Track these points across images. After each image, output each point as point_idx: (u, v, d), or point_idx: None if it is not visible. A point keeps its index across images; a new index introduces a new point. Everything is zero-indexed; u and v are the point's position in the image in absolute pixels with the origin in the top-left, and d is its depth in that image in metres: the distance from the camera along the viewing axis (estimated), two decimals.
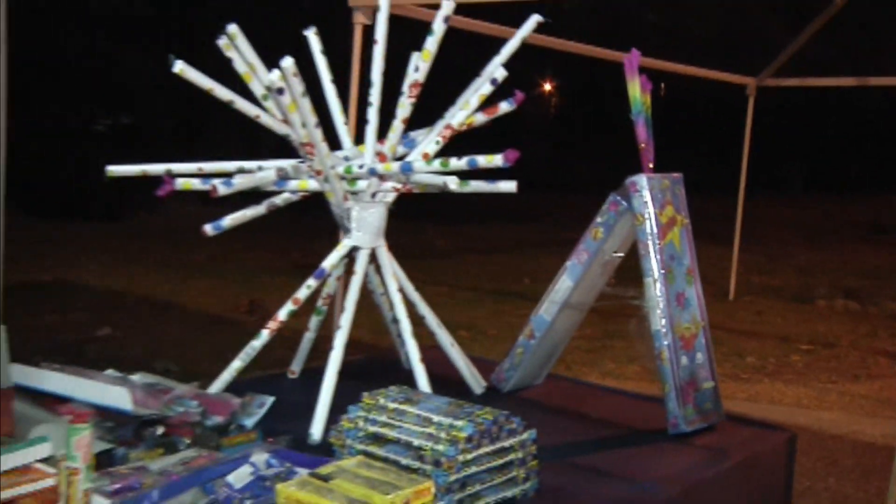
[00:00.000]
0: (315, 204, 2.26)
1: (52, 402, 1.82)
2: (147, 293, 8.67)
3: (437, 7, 2.04)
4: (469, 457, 1.60)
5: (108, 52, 11.77)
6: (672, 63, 5.97)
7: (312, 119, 1.96)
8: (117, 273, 9.55)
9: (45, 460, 1.59)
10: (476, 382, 2.30)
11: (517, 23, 2.11)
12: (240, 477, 1.56)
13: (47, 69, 11.37)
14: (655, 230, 2.05)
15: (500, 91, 2.07)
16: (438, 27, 2.01)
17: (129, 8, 11.78)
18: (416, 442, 1.63)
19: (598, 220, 2.15)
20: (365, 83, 2.20)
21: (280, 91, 1.91)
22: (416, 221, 11.42)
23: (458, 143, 2.09)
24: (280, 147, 2.19)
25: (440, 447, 1.60)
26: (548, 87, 21.37)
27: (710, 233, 6.27)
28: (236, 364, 2.14)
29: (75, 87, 12.22)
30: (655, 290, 2.04)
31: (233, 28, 1.99)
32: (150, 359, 5.90)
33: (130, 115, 13.96)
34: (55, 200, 11.73)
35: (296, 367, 2.43)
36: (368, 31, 4.17)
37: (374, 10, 2.21)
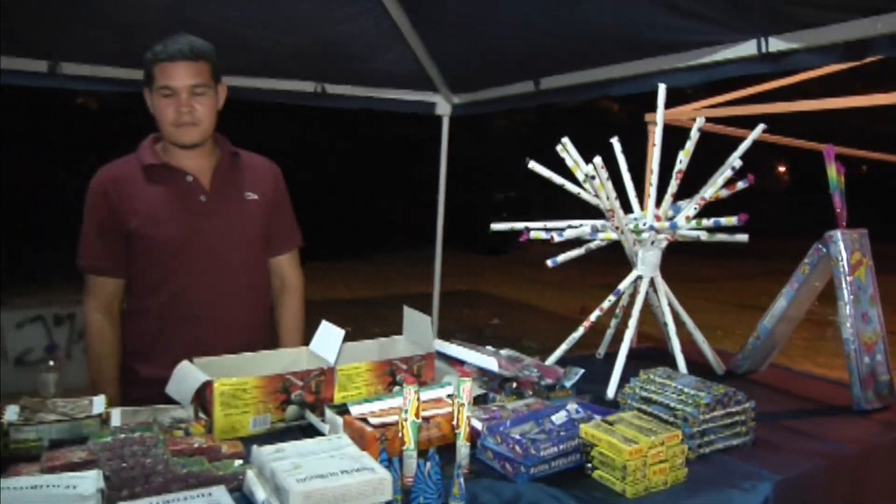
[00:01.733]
0: (614, 248, 2.22)
1: (454, 363, 1.90)
2: (521, 299, 8.85)
3: (693, 120, 1.97)
4: (706, 416, 1.50)
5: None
6: (865, 151, 5.39)
7: (613, 194, 1.92)
8: (505, 286, 9.85)
9: (449, 396, 1.66)
10: (718, 367, 2.15)
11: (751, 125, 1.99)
12: (559, 417, 1.54)
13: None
14: (846, 269, 1.84)
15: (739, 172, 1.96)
16: (694, 133, 1.92)
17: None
18: (672, 405, 1.56)
19: (806, 260, 1.96)
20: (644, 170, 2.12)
21: (593, 177, 1.91)
22: (687, 255, 11.11)
23: (711, 207, 2.00)
24: (592, 212, 2.18)
25: (688, 409, 1.51)
26: (781, 168, 21.04)
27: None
28: (563, 346, 2.14)
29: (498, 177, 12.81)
30: (846, 310, 1.82)
31: (565, 139, 2.02)
32: (519, 339, 6.03)
33: (517, 191, 14.41)
34: (474, 241, 12.32)
35: (601, 351, 2.40)
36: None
37: (655, 124, 2.14)
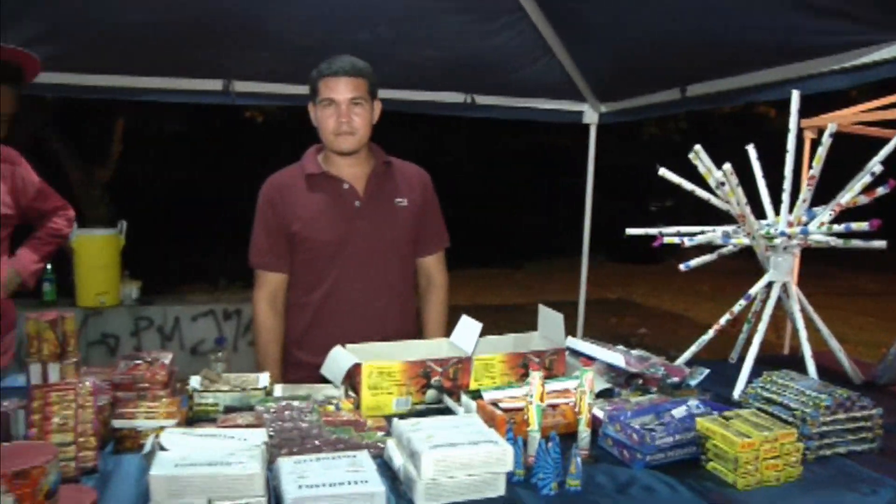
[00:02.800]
0: (746, 253, 2.25)
1: (585, 360, 2.02)
2: (672, 309, 8.69)
3: (823, 128, 1.98)
4: (827, 419, 1.54)
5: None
6: None
7: (744, 200, 1.97)
8: (656, 296, 9.68)
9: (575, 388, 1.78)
10: (855, 376, 2.13)
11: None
12: (679, 412, 1.62)
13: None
14: None
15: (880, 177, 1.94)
16: (826, 140, 1.93)
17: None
18: (792, 405, 1.61)
19: None
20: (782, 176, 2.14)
21: (723, 184, 1.97)
22: (849, 269, 10.43)
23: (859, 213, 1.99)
24: (725, 218, 2.21)
25: (807, 410, 1.56)
26: None
27: None
28: (693, 348, 2.20)
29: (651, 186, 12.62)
30: None
31: (697, 147, 2.09)
32: (667, 350, 5.98)
33: (672, 200, 14.08)
34: (625, 250, 12.18)
35: (733, 355, 2.42)
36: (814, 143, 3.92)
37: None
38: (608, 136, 4.64)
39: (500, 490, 1.36)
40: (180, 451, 1.29)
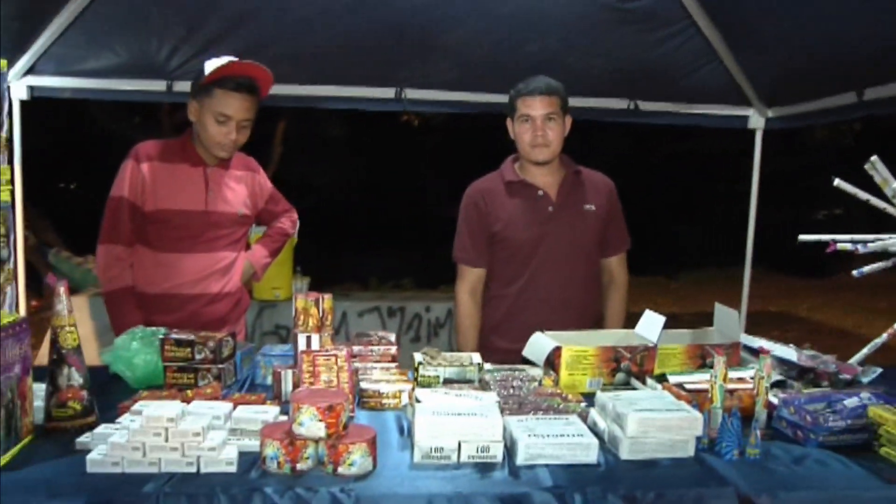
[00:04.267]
0: None
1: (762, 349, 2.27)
2: (842, 326, 8.53)
3: None
4: None
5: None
6: None
7: None
8: (823, 310, 9.49)
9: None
10: None
11: None
12: (851, 402, 1.83)
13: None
14: None
15: None
16: None
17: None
18: None
19: None
20: None
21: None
22: None
23: None
24: None
25: None
26: None
27: None
28: (865, 350, 2.42)
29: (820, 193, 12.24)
30: None
31: (874, 158, 2.31)
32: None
33: (843, 208, 13.62)
34: (792, 261, 11.91)
35: None
36: None
37: None
38: (771, 138, 4.77)
39: (689, 452, 1.70)
40: (433, 405, 1.72)
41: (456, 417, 1.64)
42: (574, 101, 4.48)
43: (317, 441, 1.56)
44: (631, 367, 2.16)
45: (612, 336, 2.37)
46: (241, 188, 2.83)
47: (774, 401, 1.95)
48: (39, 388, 1.85)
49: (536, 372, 2.15)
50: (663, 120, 4.67)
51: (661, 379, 2.10)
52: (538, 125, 2.59)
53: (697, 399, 1.91)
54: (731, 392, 2.00)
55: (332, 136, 10.49)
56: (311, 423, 1.54)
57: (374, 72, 4.26)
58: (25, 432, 1.72)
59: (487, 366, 2.19)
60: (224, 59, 2.63)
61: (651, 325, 2.27)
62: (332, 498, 1.45)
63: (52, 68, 3.90)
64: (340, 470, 1.53)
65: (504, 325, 2.70)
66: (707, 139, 12.19)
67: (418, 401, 1.76)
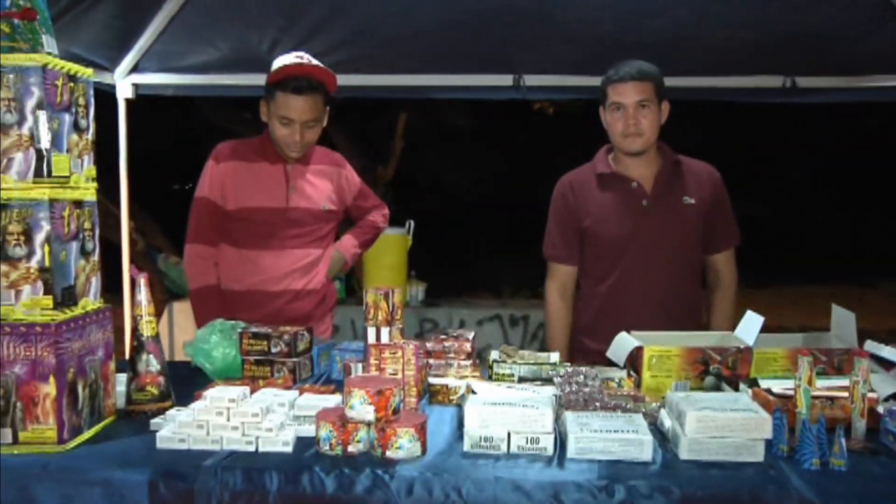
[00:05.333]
0: None
1: (857, 352, 2.36)
2: None
3: None
4: None
5: None
6: None
7: None
8: None
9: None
10: None
11: None
12: None
13: None
14: None
15: None
16: None
17: None
18: None
19: None
20: None
21: None
22: None
23: None
24: None
25: None
26: None
27: None
28: None
29: None
30: None
31: None
32: None
33: None
34: None
35: None
36: None
37: None
38: None
39: (758, 457, 1.86)
40: (487, 396, 1.98)
41: (507, 407, 1.89)
42: (717, 82, 4.58)
43: (368, 424, 1.86)
44: (721, 371, 2.32)
45: (706, 338, 2.52)
46: (324, 183, 3.20)
47: (880, 409, 2.06)
48: (121, 379, 2.26)
49: (618, 373, 2.36)
50: (831, 97, 4.60)
51: (755, 383, 2.24)
52: (630, 113, 2.79)
53: (787, 406, 2.05)
54: (832, 400, 2.12)
55: (458, 129, 10.85)
56: (360, 407, 1.84)
57: (490, 57, 4.49)
58: (108, 413, 2.13)
59: (565, 364, 2.41)
60: (290, 57, 3.00)
61: (750, 326, 2.41)
62: (375, 477, 1.74)
63: (154, 65, 4.43)
64: (388, 453, 1.82)
65: (595, 325, 2.90)
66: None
67: (474, 392, 2.02)
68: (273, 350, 2.49)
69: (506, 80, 4.59)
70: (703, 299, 2.99)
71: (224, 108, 8.85)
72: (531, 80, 4.58)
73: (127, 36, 4.22)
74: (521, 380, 2.36)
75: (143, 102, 4.58)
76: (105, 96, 4.22)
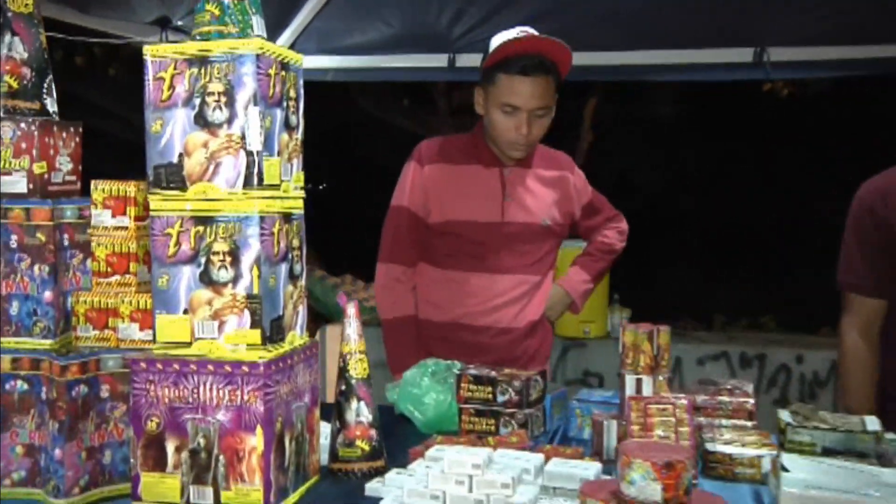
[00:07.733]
0: None
1: None
2: None
3: None
4: None
5: None
6: None
7: None
8: None
9: None
10: None
11: None
12: None
13: None
14: None
15: None
16: None
17: None
18: None
19: None
20: None
21: None
22: None
23: None
24: None
25: None
26: None
27: None
28: None
29: None
30: None
31: None
32: None
33: None
34: None
35: None
36: None
37: None
38: None
39: None
40: (806, 476, 1.84)
41: (839, 495, 1.75)
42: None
43: None
44: None
45: None
46: (546, 192, 3.11)
47: None
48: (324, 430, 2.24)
49: None
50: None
51: None
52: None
53: None
54: None
55: (660, 119, 10.61)
56: (644, 483, 1.74)
57: (724, 28, 4.35)
58: (312, 471, 2.11)
59: (890, 435, 2.24)
60: (513, 32, 2.90)
61: None
62: None
63: (313, 47, 4.46)
64: None
65: None
66: None
67: (785, 470, 1.88)
68: (499, 398, 2.43)
69: (744, 54, 4.42)
70: None
71: (380, 95, 8.99)
72: (777, 53, 4.37)
73: (284, 12, 4.26)
74: (826, 452, 2.20)
75: None
76: None
